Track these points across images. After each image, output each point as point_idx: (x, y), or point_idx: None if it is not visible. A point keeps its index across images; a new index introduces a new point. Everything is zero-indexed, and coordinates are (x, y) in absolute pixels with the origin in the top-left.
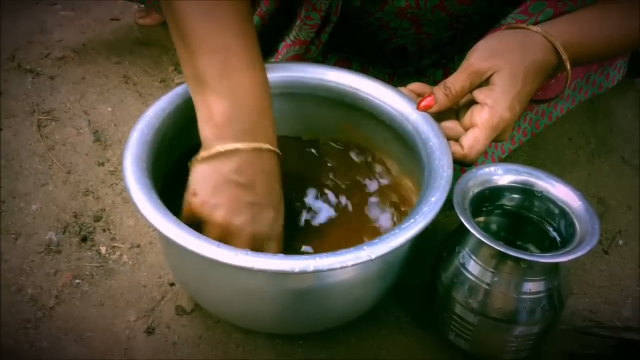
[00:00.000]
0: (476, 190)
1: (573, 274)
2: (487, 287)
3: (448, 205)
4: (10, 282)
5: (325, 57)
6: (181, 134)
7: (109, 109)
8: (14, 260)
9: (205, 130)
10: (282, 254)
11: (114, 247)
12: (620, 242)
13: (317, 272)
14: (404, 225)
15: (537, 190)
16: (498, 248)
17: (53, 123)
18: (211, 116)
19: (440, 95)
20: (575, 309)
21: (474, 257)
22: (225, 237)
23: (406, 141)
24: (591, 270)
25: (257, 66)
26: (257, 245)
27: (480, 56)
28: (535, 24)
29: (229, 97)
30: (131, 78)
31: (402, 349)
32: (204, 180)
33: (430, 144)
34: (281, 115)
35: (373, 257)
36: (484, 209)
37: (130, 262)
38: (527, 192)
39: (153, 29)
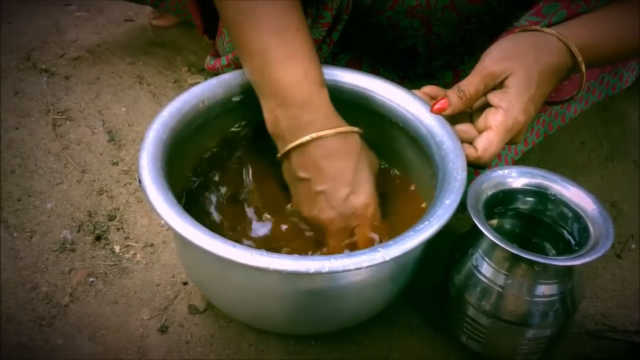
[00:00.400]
0: (490, 193)
1: (586, 277)
2: (500, 289)
3: (460, 207)
4: (25, 279)
5: (335, 57)
6: (197, 136)
7: (123, 109)
8: (28, 258)
9: (268, 128)
10: (296, 255)
11: (128, 246)
12: (633, 246)
13: (331, 274)
14: (418, 228)
15: (551, 194)
16: (511, 250)
17: (68, 122)
18: (266, 117)
19: (454, 98)
20: (587, 313)
21: (487, 260)
22: (328, 234)
23: (420, 144)
24: (604, 274)
25: (299, 57)
26: (345, 229)
27: (495, 59)
28: (549, 25)
29: (273, 97)
30: (145, 78)
31: (413, 351)
32: (291, 184)
33: (445, 146)
34: None
35: (387, 258)
36: (498, 211)
37: (144, 261)
38: (541, 195)
39: (167, 30)
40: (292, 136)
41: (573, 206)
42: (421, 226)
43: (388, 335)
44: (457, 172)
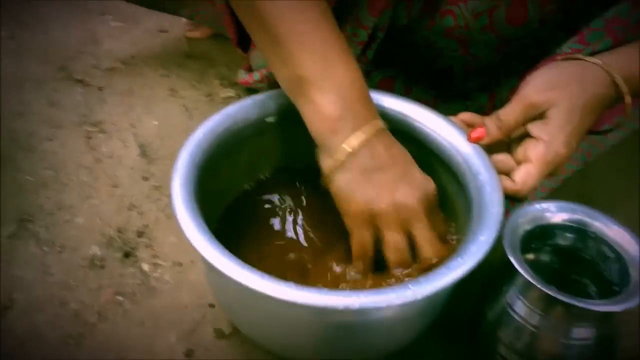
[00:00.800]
0: (527, 228)
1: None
2: (534, 329)
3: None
4: (54, 295)
5: (368, 76)
6: (229, 159)
7: (155, 122)
8: (58, 274)
9: (317, 127)
10: (325, 289)
11: (156, 264)
12: None
13: (361, 310)
14: (451, 265)
15: (591, 231)
16: (548, 292)
17: (100, 135)
18: (321, 113)
19: (492, 127)
20: (625, 349)
21: (521, 298)
22: (400, 219)
23: (454, 173)
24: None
25: (351, 54)
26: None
27: (537, 88)
28: (593, 53)
29: (336, 91)
30: (178, 91)
31: None
32: (348, 188)
33: (481, 177)
34: None
35: (419, 297)
36: (534, 246)
37: (172, 281)
38: (580, 231)
39: (201, 42)
40: (357, 126)
41: (614, 246)
42: (454, 263)
43: None
44: (492, 206)
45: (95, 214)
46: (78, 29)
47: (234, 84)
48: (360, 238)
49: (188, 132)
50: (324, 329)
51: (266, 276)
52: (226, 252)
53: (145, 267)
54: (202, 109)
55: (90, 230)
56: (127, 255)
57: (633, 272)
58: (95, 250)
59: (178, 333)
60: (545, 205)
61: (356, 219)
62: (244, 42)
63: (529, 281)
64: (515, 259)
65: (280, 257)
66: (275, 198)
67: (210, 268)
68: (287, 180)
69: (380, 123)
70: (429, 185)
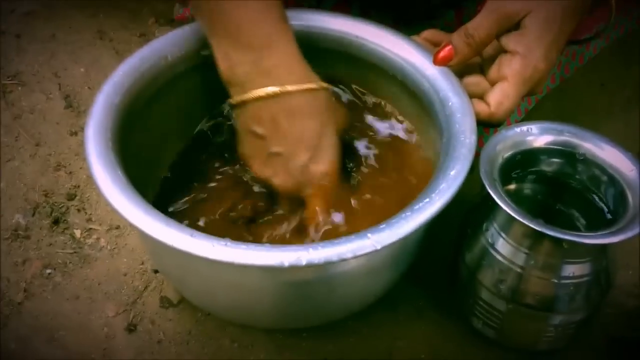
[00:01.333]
0: (506, 155)
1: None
2: (520, 270)
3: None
4: None
5: (319, 0)
6: (159, 101)
7: (82, 69)
8: None
9: (223, 75)
10: (269, 245)
11: (90, 229)
12: None
13: (311, 266)
14: (416, 207)
15: (579, 153)
16: (535, 227)
17: (19, 88)
18: (230, 64)
19: (461, 43)
20: (618, 284)
21: (504, 235)
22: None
23: (422, 101)
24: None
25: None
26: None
27: None
28: None
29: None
30: (107, 33)
31: (421, 338)
32: (239, 137)
33: (450, 104)
34: None
35: (379, 247)
36: (516, 175)
37: (109, 247)
38: (568, 155)
39: None
40: (251, 84)
41: (607, 168)
42: (420, 204)
43: (391, 322)
44: (464, 136)
45: (17, 178)
46: None
47: (171, 22)
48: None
49: None
50: (275, 290)
51: (197, 234)
52: (150, 208)
53: (78, 233)
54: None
55: (12, 196)
56: (56, 221)
57: (631, 197)
58: (19, 218)
59: (117, 306)
60: (526, 127)
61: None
62: None
63: (511, 216)
64: (494, 191)
65: (228, 210)
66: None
67: (135, 227)
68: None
69: (289, 87)
70: (303, 177)
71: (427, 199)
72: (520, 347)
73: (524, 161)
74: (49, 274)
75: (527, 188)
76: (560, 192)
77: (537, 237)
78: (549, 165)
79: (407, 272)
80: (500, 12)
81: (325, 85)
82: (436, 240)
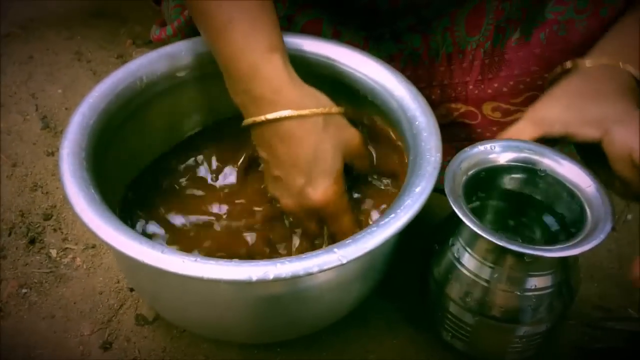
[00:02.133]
0: (471, 173)
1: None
2: (485, 284)
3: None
4: None
5: (291, 20)
6: (135, 121)
7: (60, 90)
8: None
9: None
10: (237, 260)
11: (66, 249)
12: (629, 217)
13: (277, 281)
14: (382, 222)
15: (540, 169)
16: (497, 242)
17: None
18: (231, 93)
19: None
20: (583, 296)
21: (469, 250)
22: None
23: (391, 120)
24: (598, 251)
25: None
26: (309, 217)
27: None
28: (577, 12)
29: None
30: (84, 54)
31: (392, 351)
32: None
33: (417, 123)
34: None
35: (345, 261)
36: (481, 193)
37: (85, 266)
38: (529, 171)
39: None
40: (246, 112)
41: (566, 184)
42: (386, 220)
43: (363, 336)
44: (430, 154)
45: None
46: None
47: (148, 43)
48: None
49: None
50: (245, 304)
51: (168, 250)
52: (122, 226)
53: (54, 253)
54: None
55: None
56: (32, 241)
57: (589, 212)
58: None
59: (93, 324)
60: (489, 145)
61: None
62: None
63: (475, 232)
64: (457, 207)
65: (201, 228)
66: (198, 160)
67: (108, 245)
68: (213, 140)
69: (285, 112)
70: (301, 200)
71: (393, 215)
72: (488, 358)
73: (488, 178)
74: (25, 293)
75: (492, 205)
76: (524, 207)
77: (500, 252)
78: (513, 182)
79: (377, 286)
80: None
81: (318, 110)
82: (407, 255)
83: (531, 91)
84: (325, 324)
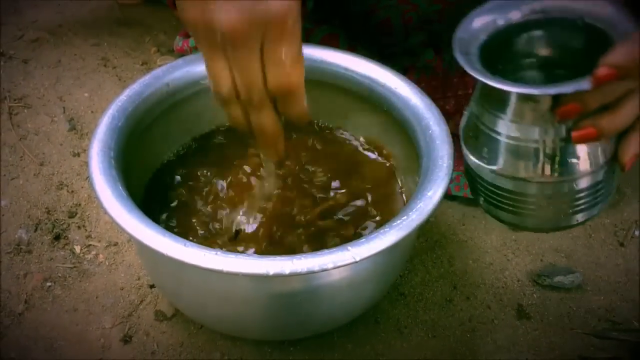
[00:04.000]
0: (483, 39)
1: (587, 269)
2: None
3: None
4: None
5: (309, 34)
6: (160, 125)
7: (86, 94)
8: None
9: None
10: (256, 255)
11: (89, 245)
12: (637, 233)
13: (295, 275)
14: (395, 223)
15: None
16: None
17: (25, 110)
18: None
19: None
20: (589, 308)
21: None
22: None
23: (405, 129)
24: (606, 264)
25: None
26: (250, 43)
27: None
28: None
29: None
30: (110, 60)
31: (402, 355)
32: None
33: (430, 132)
34: None
35: (357, 259)
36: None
37: (107, 262)
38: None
39: (135, 8)
40: None
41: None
42: (399, 221)
43: (374, 338)
44: (442, 161)
45: (21, 195)
46: None
47: (172, 51)
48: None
49: None
50: (260, 300)
51: (190, 243)
52: (147, 220)
53: (77, 249)
54: (137, 79)
55: (16, 212)
56: (57, 237)
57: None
58: (22, 234)
59: (114, 318)
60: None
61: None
62: None
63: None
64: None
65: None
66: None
67: (132, 238)
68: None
69: None
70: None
71: (405, 217)
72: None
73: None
74: (49, 286)
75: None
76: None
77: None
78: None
79: (389, 288)
80: None
81: None
82: (417, 259)
83: None
84: (338, 324)
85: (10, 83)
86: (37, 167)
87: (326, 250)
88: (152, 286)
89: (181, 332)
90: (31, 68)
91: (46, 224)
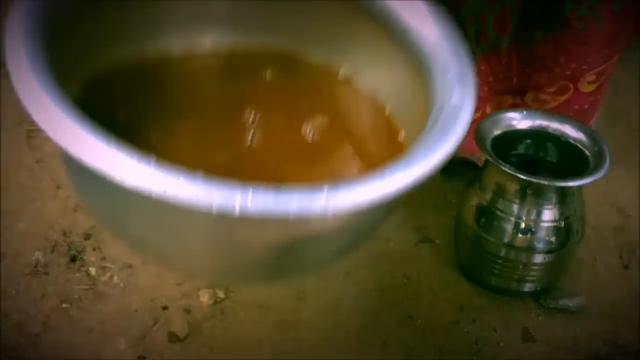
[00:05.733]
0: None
1: (592, 292)
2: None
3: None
4: None
5: None
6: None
7: None
8: None
9: None
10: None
11: (104, 267)
12: None
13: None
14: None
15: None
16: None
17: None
18: None
19: None
20: (594, 331)
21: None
22: None
23: (415, 63)
24: (610, 286)
25: None
26: None
27: None
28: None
29: None
30: None
31: None
32: None
33: (449, 75)
34: None
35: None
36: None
37: (121, 284)
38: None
39: None
40: None
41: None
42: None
43: None
44: (461, 112)
45: (38, 218)
46: None
47: None
48: None
49: None
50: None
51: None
52: (72, 110)
53: (93, 271)
54: None
55: (33, 235)
56: (73, 259)
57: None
58: (39, 256)
59: (128, 339)
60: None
61: None
62: None
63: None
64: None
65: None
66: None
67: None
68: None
69: None
70: None
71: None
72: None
73: (508, 141)
74: (66, 308)
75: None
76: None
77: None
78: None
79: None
80: None
81: None
82: (426, 285)
83: (562, 80)
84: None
85: None
86: (54, 189)
87: (294, 187)
88: (165, 307)
89: (193, 353)
90: None
91: (62, 246)
